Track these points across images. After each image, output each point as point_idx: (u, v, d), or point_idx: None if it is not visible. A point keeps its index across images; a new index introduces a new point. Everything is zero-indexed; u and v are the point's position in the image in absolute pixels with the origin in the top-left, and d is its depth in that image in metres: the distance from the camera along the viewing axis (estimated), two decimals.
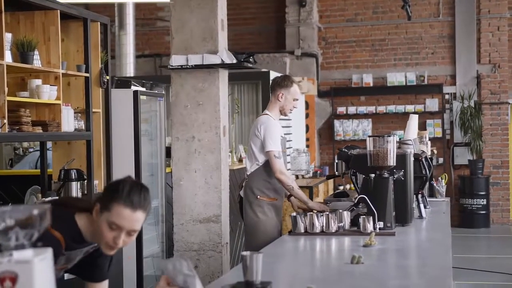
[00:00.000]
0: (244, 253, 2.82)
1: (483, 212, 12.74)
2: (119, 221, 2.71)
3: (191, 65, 5.76)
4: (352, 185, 6.02)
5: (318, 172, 11.19)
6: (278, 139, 5.39)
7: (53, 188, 5.74)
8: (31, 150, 8.62)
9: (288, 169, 9.93)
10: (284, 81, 5.55)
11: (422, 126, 12.73)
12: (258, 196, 5.43)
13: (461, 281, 8.32)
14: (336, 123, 13.42)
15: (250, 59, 5.98)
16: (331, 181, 11.30)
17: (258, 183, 5.44)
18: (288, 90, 5.51)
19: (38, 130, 5.26)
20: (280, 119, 5.59)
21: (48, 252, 1.85)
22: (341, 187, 10.58)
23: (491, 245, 11.69)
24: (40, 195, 5.72)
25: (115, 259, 5.90)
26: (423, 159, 5.25)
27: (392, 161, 4.57)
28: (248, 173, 5.52)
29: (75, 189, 5.66)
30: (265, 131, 5.36)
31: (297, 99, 5.56)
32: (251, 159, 5.50)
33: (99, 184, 6.15)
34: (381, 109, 13.28)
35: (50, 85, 5.38)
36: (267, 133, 5.35)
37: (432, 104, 13.14)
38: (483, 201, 12.71)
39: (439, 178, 6.73)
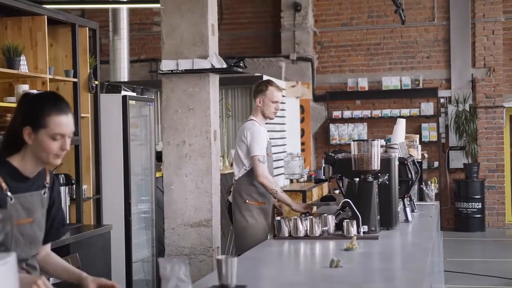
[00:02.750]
0: (219, 257, 2.85)
1: (479, 215, 12.75)
2: (60, 130, 2.83)
3: (182, 70, 5.78)
4: None
5: (313, 176, 11.18)
6: (264, 144, 5.44)
7: None
8: None
9: (281, 173, 10.03)
10: (259, 86, 5.61)
11: (417, 130, 12.76)
12: (247, 201, 5.48)
13: (456, 284, 8.33)
14: (332, 127, 13.42)
15: (241, 64, 5.99)
16: (325, 185, 11.29)
17: (246, 187, 5.49)
18: (265, 94, 5.56)
19: None
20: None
21: (11, 257, 1.87)
22: (337, 191, 10.56)
23: (486, 249, 11.67)
24: None
25: (102, 262, 5.91)
26: (410, 163, 5.26)
27: (376, 165, 4.58)
28: (236, 178, 5.57)
29: (64, 194, 5.67)
30: (251, 136, 5.41)
31: (276, 101, 5.58)
32: (238, 165, 5.54)
33: (87, 189, 6.17)
34: (377, 113, 13.29)
35: (37, 90, 5.39)
36: (253, 138, 5.40)
37: (427, 108, 13.13)
38: (478, 205, 12.71)
39: (429, 182, 6.74)
